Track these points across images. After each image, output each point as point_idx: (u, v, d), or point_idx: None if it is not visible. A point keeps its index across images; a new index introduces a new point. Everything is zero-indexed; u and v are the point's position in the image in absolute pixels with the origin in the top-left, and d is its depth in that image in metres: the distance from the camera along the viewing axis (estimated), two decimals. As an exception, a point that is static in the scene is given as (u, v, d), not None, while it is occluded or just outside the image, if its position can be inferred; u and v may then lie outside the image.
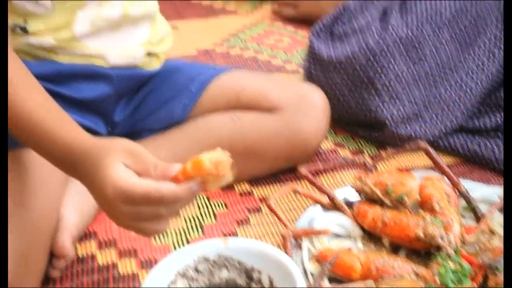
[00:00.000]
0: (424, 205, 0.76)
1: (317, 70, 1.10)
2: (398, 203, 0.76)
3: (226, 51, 1.41)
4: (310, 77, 1.12)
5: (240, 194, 0.90)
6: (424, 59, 1.03)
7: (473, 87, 1.03)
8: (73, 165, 0.60)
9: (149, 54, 0.90)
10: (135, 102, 0.91)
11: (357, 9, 1.17)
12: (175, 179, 0.57)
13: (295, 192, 0.82)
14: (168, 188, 0.56)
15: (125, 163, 0.57)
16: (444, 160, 0.86)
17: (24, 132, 0.63)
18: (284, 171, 0.94)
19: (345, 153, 1.03)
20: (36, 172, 0.73)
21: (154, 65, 0.92)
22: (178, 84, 0.93)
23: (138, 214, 0.57)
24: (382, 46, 1.03)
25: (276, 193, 0.81)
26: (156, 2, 0.92)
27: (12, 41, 0.78)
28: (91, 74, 0.83)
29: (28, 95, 0.64)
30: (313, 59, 1.12)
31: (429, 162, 0.82)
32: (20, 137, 0.64)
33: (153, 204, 0.56)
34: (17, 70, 0.65)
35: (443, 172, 0.80)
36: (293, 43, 1.45)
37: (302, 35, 1.48)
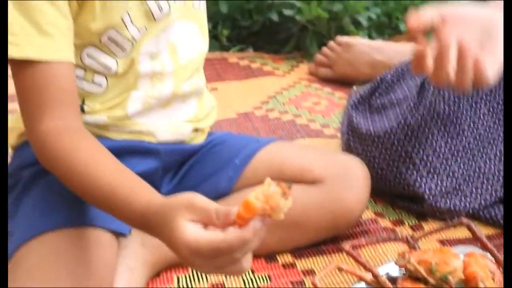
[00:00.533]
0: (469, 283, 0.76)
1: (355, 142, 1.12)
2: (443, 282, 0.77)
3: (265, 114, 1.42)
4: (348, 148, 1.13)
5: (284, 266, 0.92)
6: (462, 134, 1.03)
7: None
8: (148, 226, 0.66)
9: (196, 130, 0.93)
10: (180, 175, 0.95)
11: (394, 80, 1.19)
12: (237, 223, 0.60)
13: (340, 269, 0.84)
14: (233, 235, 0.59)
15: (191, 219, 0.61)
16: (484, 231, 0.88)
17: (100, 200, 0.70)
18: (326, 241, 0.96)
19: (385, 223, 1.04)
20: (93, 250, 0.77)
21: (200, 139, 0.95)
22: (223, 156, 0.95)
23: (216, 264, 0.62)
24: (419, 122, 1.04)
25: (321, 272, 0.82)
26: (204, 77, 0.96)
27: None
28: (141, 150, 0.87)
29: (103, 165, 0.71)
30: (352, 131, 1.14)
31: (470, 234, 0.83)
32: (95, 204, 0.71)
33: (226, 254, 0.60)
34: (89, 141, 0.73)
35: (487, 249, 0.81)
36: (330, 106, 1.46)
37: (339, 97, 1.50)
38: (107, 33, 0.79)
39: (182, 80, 0.88)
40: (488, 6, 0.94)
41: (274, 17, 1.70)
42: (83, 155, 0.72)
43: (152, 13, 0.81)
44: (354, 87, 1.45)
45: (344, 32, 1.70)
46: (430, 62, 0.82)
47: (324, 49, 1.61)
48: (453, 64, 0.81)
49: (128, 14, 0.79)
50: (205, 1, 0.93)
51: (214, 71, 1.60)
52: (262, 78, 1.61)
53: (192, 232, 0.60)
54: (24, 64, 0.73)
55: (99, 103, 0.83)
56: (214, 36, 1.71)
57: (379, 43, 1.58)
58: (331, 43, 1.60)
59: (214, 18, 1.70)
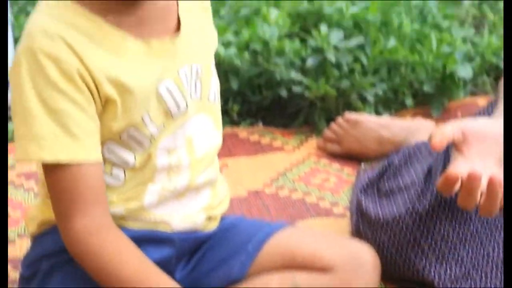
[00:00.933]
0: None
1: (365, 226, 1.13)
2: None
3: (275, 191, 1.43)
4: (358, 231, 1.15)
5: None
6: (469, 220, 1.04)
7: None
8: None
9: (209, 217, 0.95)
10: (194, 262, 0.96)
11: (401, 164, 1.21)
12: None
13: None
14: None
15: None
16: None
17: None
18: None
19: (395, 307, 1.04)
20: None
21: (213, 226, 0.97)
22: (235, 242, 0.96)
23: None
24: (427, 208, 1.05)
25: None
26: (218, 167, 0.98)
27: None
28: (156, 239, 0.89)
29: (131, 263, 0.76)
30: (361, 215, 1.15)
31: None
32: None
33: None
34: (117, 239, 0.79)
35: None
36: (339, 183, 1.47)
37: (347, 173, 1.51)
38: (127, 131, 0.81)
39: (198, 172, 0.90)
40: (496, 117, 0.98)
41: (283, 93, 1.71)
42: (112, 253, 0.77)
43: (170, 111, 0.83)
44: (362, 165, 1.49)
45: (352, 107, 1.72)
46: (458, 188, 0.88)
47: (332, 125, 1.62)
48: (482, 192, 0.86)
49: (148, 113, 0.81)
50: (219, 94, 0.95)
51: (225, 147, 1.58)
52: (271, 154, 1.62)
53: None
54: (55, 167, 0.76)
55: (116, 195, 0.85)
56: (224, 112, 1.72)
57: (385, 120, 1.60)
58: (339, 119, 1.62)
59: (225, 94, 1.71)
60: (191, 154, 0.88)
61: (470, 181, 0.85)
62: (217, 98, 0.94)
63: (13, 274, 1.11)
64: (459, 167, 0.90)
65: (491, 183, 0.85)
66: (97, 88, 0.77)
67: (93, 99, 0.78)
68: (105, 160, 0.83)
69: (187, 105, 0.85)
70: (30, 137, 0.75)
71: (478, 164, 0.90)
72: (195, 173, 0.90)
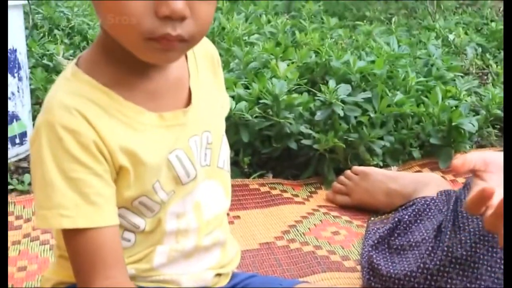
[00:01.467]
0: None
1: (376, 283, 1.14)
2: None
3: (286, 244, 1.42)
4: (369, 287, 1.15)
5: None
6: (480, 278, 1.05)
7: None
8: None
9: (219, 275, 0.95)
10: None
11: (411, 221, 1.23)
12: None
13: None
14: None
15: None
16: None
17: None
18: None
19: None
20: None
21: (223, 282, 0.96)
22: None
23: None
24: (438, 266, 1.06)
25: None
26: (228, 228, 0.98)
27: None
28: None
29: None
30: (372, 271, 1.16)
31: None
32: None
33: None
34: None
35: None
36: (349, 236, 1.46)
37: (357, 225, 1.51)
38: (138, 199, 0.82)
39: (205, 235, 0.90)
40: None
41: (293, 145, 1.73)
42: None
43: (180, 179, 0.84)
44: (372, 218, 1.49)
45: (360, 159, 1.74)
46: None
47: (341, 177, 1.64)
48: None
49: (158, 181, 0.82)
50: (229, 160, 0.95)
51: (236, 199, 1.61)
52: (282, 206, 1.62)
53: None
54: (75, 232, 0.77)
55: (126, 257, 0.85)
56: (235, 163, 1.74)
57: (394, 173, 1.62)
58: (348, 172, 1.63)
59: (235, 146, 1.74)
60: (199, 218, 0.88)
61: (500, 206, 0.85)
62: (226, 165, 0.94)
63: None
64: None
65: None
66: (111, 158, 0.79)
67: (109, 167, 0.79)
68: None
69: (196, 172, 0.86)
70: (51, 206, 0.77)
71: (500, 192, 0.90)
72: (202, 235, 0.90)
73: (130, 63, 0.79)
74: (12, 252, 1.39)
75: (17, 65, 1.83)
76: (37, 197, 0.79)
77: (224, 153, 0.93)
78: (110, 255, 0.78)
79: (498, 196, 0.88)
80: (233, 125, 1.71)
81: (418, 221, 1.22)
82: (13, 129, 1.84)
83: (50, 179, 0.76)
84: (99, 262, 0.78)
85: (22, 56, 1.86)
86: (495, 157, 0.98)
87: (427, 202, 1.29)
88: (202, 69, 0.90)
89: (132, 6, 0.71)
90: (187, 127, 0.85)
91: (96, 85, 0.79)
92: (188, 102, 0.86)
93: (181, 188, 0.85)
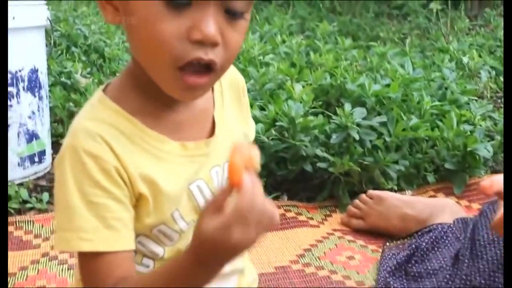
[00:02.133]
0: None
1: None
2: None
3: (302, 268, 1.42)
4: None
5: None
6: None
7: None
8: (197, 259, 0.72)
9: None
10: None
11: (429, 248, 1.23)
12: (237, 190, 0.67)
13: None
14: (240, 195, 0.67)
15: (206, 220, 0.68)
16: None
17: None
18: None
19: None
20: None
21: None
22: None
23: (250, 222, 0.67)
24: None
25: None
26: (247, 255, 0.97)
27: None
28: None
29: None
30: None
31: None
32: None
33: (247, 209, 0.66)
34: None
35: None
36: (364, 261, 1.46)
37: (372, 250, 1.51)
38: (158, 227, 0.82)
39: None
40: None
41: (308, 167, 1.74)
42: None
43: (200, 208, 0.83)
44: (387, 243, 1.49)
45: (375, 183, 1.74)
46: None
47: (356, 201, 1.64)
48: None
49: (178, 210, 0.82)
50: None
51: None
52: (297, 229, 1.62)
53: (210, 221, 0.67)
54: (92, 255, 0.77)
55: None
56: None
57: (409, 198, 1.62)
58: (363, 196, 1.64)
59: None
60: None
61: None
62: None
63: None
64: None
65: None
66: (131, 185, 0.78)
67: (129, 192, 0.79)
68: (137, 251, 0.84)
69: None
70: (71, 229, 0.76)
71: None
72: None
73: (157, 94, 0.80)
74: (30, 272, 1.40)
75: (38, 85, 1.86)
76: (58, 219, 0.79)
77: None
78: (122, 273, 0.78)
79: None
80: None
81: (436, 248, 1.22)
82: (32, 148, 1.86)
83: (71, 202, 0.77)
84: (112, 279, 0.78)
85: (43, 75, 1.89)
86: None
87: (444, 229, 1.29)
88: (227, 99, 0.91)
89: (165, 31, 0.72)
90: (209, 158, 0.85)
91: (121, 112, 0.80)
92: (212, 132, 0.86)
93: None
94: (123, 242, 0.79)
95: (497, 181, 0.97)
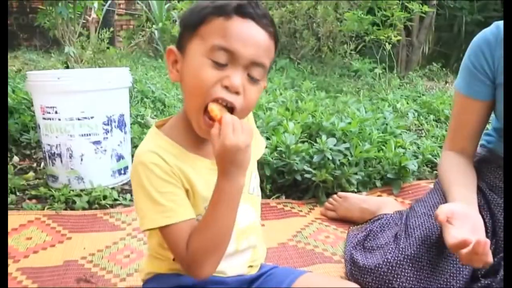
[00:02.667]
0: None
1: (356, 272, 1.13)
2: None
3: (295, 244, 1.41)
4: (352, 275, 1.14)
5: None
6: (423, 268, 1.03)
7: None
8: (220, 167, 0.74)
9: (251, 266, 0.93)
10: None
11: (378, 230, 1.23)
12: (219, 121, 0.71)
13: None
14: (222, 124, 0.71)
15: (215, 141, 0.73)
16: None
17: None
18: None
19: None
20: None
21: (254, 271, 0.94)
22: (274, 283, 0.92)
23: (237, 142, 0.70)
24: (396, 260, 1.06)
25: None
26: (261, 235, 0.95)
27: None
28: (217, 282, 0.87)
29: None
30: (353, 264, 1.15)
31: None
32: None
33: (228, 135, 0.70)
34: None
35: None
36: (336, 239, 1.45)
37: (341, 231, 1.49)
38: (197, 216, 0.80)
39: (241, 241, 0.88)
40: (470, 204, 1.01)
41: (299, 177, 1.74)
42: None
43: None
44: (351, 227, 1.49)
45: (342, 187, 1.74)
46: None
47: (330, 199, 1.64)
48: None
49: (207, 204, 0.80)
50: (259, 187, 0.90)
51: (262, 213, 1.52)
52: (291, 218, 1.61)
53: (218, 139, 0.72)
54: (171, 226, 0.76)
55: None
56: (261, 189, 1.72)
57: (364, 197, 1.62)
58: (335, 196, 1.63)
59: (261, 178, 1.71)
60: (236, 229, 0.82)
61: (479, 245, 0.86)
62: (256, 190, 0.90)
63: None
64: (458, 234, 0.91)
65: (478, 244, 0.86)
66: (182, 182, 0.78)
67: (181, 185, 0.79)
68: None
69: None
70: (156, 212, 0.76)
71: (465, 232, 0.91)
72: (240, 241, 0.87)
73: (195, 130, 0.80)
74: (120, 245, 1.41)
75: (123, 124, 1.88)
76: (143, 210, 0.78)
77: (254, 181, 0.89)
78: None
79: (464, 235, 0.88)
80: (260, 164, 1.72)
81: (383, 230, 1.22)
82: (120, 165, 1.87)
83: (151, 196, 0.76)
84: (186, 242, 0.77)
85: (126, 118, 1.91)
86: (458, 207, 0.98)
87: (388, 218, 1.29)
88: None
89: (206, 76, 0.73)
90: None
91: (169, 141, 0.81)
92: None
93: None
94: (190, 212, 0.78)
95: (444, 211, 0.96)
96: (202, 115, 0.75)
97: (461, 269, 1.03)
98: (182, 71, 0.78)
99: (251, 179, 0.88)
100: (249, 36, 0.73)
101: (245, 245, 0.89)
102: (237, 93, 0.74)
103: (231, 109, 0.75)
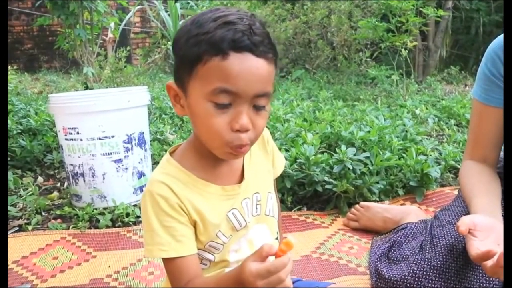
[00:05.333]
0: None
1: (381, 284, 1.12)
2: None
3: (319, 256, 1.40)
4: (377, 287, 1.13)
5: None
6: (450, 278, 1.02)
7: None
8: (236, 280, 0.70)
9: None
10: None
11: (402, 241, 1.21)
12: (277, 255, 0.65)
13: None
14: (277, 261, 0.65)
15: (251, 260, 0.68)
16: None
17: None
18: None
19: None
20: None
21: None
22: None
23: (271, 282, 0.65)
24: (422, 271, 1.05)
25: None
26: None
27: None
28: None
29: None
30: (378, 276, 1.14)
31: None
32: None
33: (274, 273, 0.65)
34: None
35: None
36: (360, 249, 1.44)
37: (365, 242, 1.48)
38: (208, 242, 0.81)
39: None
40: (494, 216, 0.97)
41: (319, 188, 1.74)
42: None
43: (235, 228, 0.82)
44: (374, 237, 1.47)
45: (364, 197, 1.73)
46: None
47: (352, 209, 1.63)
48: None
49: (220, 230, 0.81)
50: (276, 207, 0.89)
51: (284, 225, 1.60)
52: (314, 229, 1.60)
53: (253, 263, 0.67)
54: (170, 259, 0.78)
55: (204, 273, 0.83)
56: (282, 201, 1.74)
57: (387, 206, 1.60)
58: (356, 206, 1.62)
59: (282, 190, 1.75)
60: (252, 250, 0.83)
61: (502, 258, 0.82)
62: (272, 212, 0.88)
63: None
64: (482, 246, 0.88)
65: (502, 256, 0.82)
66: (189, 214, 0.78)
67: (188, 218, 0.78)
68: (198, 256, 0.82)
69: (246, 223, 0.83)
70: (153, 243, 0.77)
71: (488, 244, 0.89)
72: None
73: (207, 156, 0.80)
74: (144, 262, 1.42)
75: (143, 141, 1.90)
76: (145, 238, 0.79)
77: (270, 203, 0.88)
78: (192, 271, 0.78)
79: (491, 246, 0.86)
80: (280, 176, 1.68)
81: (407, 241, 1.20)
82: (141, 182, 1.90)
83: (152, 227, 0.77)
84: (185, 277, 0.78)
85: (146, 135, 1.93)
86: (481, 219, 0.96)
87: (412, 227, 1.27)
88: (255, 150, 0.88)
89: (215, 125, 0.72)
90: (241, 194, 0.83)
91: (180, 168, 0.80)
92: (242, 177, 0.84)
93: (236, 233, 0.83)
94: (188, 249, 0.78)
95: (466, 223, 0.92)
96: (227, 146, 0.74)
97: (491, 279, 1.00)
98: (188, 108, 0.77)
99: (267, 201, 0.87)
100: (250, 73, 0.70)
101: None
102: (247, 131, 0.73)
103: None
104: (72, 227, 1.67)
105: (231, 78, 0.70)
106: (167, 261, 0.79)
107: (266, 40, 0.73)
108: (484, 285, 1.00)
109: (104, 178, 1.80)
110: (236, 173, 0.84)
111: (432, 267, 1.04)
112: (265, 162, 0.90)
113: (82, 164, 1.79)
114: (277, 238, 0.92)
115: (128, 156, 1.83)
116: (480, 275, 1.01)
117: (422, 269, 1.05)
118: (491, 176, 1.10)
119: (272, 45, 0.74)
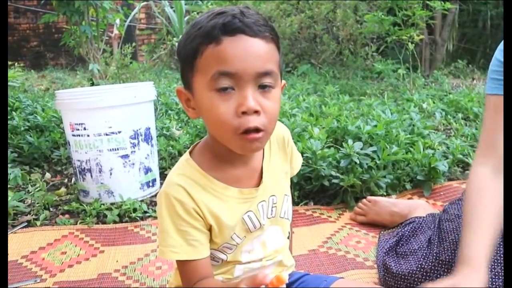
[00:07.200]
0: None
1: (389, 278, 1.11)
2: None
3: (326, 250, 1.40)
4: (385, 282, 1.12)
5: None
6: None
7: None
8: None
9: None
10: None
11: (410, 235, 1.20)
12: (268, 286, 0.63)
13: None
14: None
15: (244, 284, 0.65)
16: None
17: None
18: None
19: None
20: None
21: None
22: None
23: None
24: (430, 266, 1.04)
25: None
26: (288, 251, 0.92)
27: None
28: None
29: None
30: (386, 270, 1.14)
31: None
32: None
33: None
34: None
35: None
36: (367, 244, 1.43)
37: (372, 236, 1.48)
38: (223, 244, 0.81)
39: (267, 260, 0.87)
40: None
41: (326, 183, 1.73)
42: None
43: (249, 229, 0.82)
44: (382, 232, 1.47)
45: (371, 191, 1.72)
46: None
47: (359, 204, 1.62)
48: None
49: (235, 232, 0.81)
50: (290, 210, 0.88)
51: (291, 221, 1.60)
52: (321, 224, 1.60)
53: None
54: (182, 261, 0.79)
55: (215, 270, 0.84)
56: None
57: (394, 200, 1.59)
58: (364, 200, 1.62)
59: None
60: (264, 251, 0.85)
61: None
62: (287, 214, 0.87)
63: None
64: None
65: None
66: (204, 218, 0.78)
67: (204, 222, 0.78)
68: (210, 255, 0.83)
69: (261, 224, 0.83)
70: (166, 245, 0.77)
71: None
72: (266, 260, 0.87)
73: (224, 157, 0.79)
74: (151, 257, 1.43)
75: (150, 137, 1.91)
76: (159, 238, 0.80)
77: (286, 206, 0.87)
78: (203, 273, 0.79)
79: None
80: None
81: (415, 235, 1.19)
82: (148, 177, 1.90)
83: (166, 229, 0.77)
84: (195, 277, 0.79)
85: (152, 131, 1.93)
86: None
87: (420, 221, 1.26)
88: (274, 151, 0.86)
89: (222, 113, 0.71)
90: (257, 198, 0.82)
91: (199, 170, 0.80)
92: (260, 179, 0.83)
93: (250, 235, 0.83)
94: (199, 253, 0.78)
95: None
96: (240, 136, 0.72)
97: (500, 274, 0.98)
98: (197, 107, 0.77)
99: (283, 203, 0.87)
100: (245, 51, 0.69)
101: (271, 262, 0.89)
102: (256, 112, 0.71)
103: (256, 130, 0.72)
104: (80, 223, 1.68)
105: (228, 60, 0.69)
106: (179, 262, 0.80)
107: (261, 21, 0.72)
108: (493, 279, 0.98)
109: (111, 174, 1.81)
110: (255, 175, 0.83)
111: (440, 262, 1.04)
112: (283, 164, 0.89)
113: (89, 160, 1.80)
114: (288, 237, 0.92)
115: (134, 151, 1.83)
116: (489, 270, 1.00)
117: (430, 264, 1.04)
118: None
119: (268, 26, 0.72)
